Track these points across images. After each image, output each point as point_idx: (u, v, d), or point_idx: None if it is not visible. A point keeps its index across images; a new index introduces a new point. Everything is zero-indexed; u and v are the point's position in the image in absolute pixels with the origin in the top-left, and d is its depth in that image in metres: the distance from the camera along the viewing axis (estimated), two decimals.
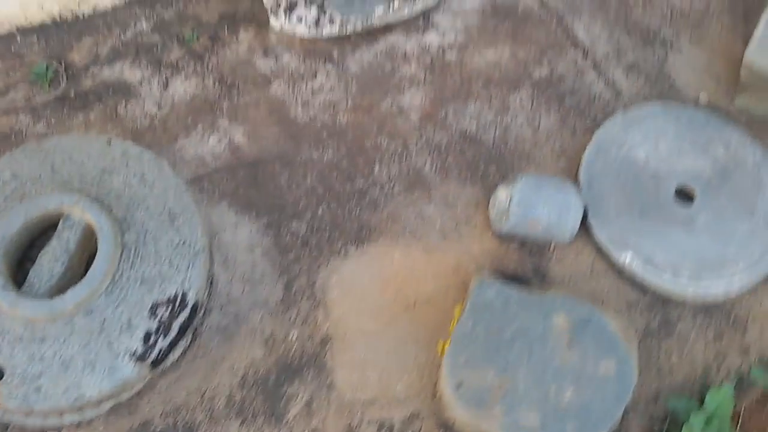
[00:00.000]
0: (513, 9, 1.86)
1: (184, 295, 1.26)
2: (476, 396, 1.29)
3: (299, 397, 1.36)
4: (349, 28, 1.72)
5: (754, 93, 1.72)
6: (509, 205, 1.47)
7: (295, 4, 1.67)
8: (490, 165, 1.63)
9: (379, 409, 1.35)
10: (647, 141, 1.64)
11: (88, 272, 1.22)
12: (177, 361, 1.35)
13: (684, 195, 1.60)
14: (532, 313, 1.37)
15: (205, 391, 1.35)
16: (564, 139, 1.67)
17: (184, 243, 1.30)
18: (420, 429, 1.33)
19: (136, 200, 1.32)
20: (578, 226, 1.51)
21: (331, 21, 1.69)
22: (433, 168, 1.62)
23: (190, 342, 1.35)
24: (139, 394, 1.32)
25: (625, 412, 1.32)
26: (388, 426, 1.34)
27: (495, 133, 1.68)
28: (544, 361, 1.32)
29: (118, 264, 1.24)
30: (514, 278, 1.47)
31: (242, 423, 1.32)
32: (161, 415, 1.31)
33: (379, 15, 1.72)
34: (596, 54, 1.80)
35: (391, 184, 1.59)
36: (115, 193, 1.32)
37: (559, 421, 1.26)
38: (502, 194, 1.50)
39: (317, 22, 1.69)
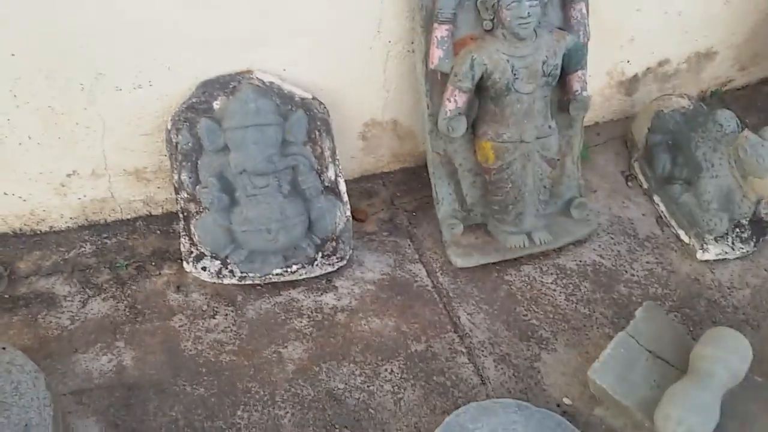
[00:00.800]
0: (408, 286, 2.11)
1: None
2: None
3: None
4: (248, 282, 2.00)
5: (608, 406, 1.84)
6: None
7: (202, 256, 1.98)
8: (344, 428, 1.77)
9: None
10: None
11: None
12: None
13: None
14: None
15: None
16: (421, 416, 1.81)
17: None
18: None
19: (2, 407, 1.52)
20: None
21: (232, 274, 1.98)
22: (292, 421, 1.77)
23: None
24: None
25: None
26: None
27: (359, 397, 1.84)
28: None
29: None
30: None
31: None
32: None
33: (276, 275, 2.00)
34: (473, 340, 1.99)
35: (247, 430, 1.74)
36: None
37: None
38: None
39: (219, 273, 1.98)
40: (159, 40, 1.82)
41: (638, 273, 2.19)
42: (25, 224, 2.06)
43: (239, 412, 1.77)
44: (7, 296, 1.95)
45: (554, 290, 2.14)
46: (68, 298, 1.96)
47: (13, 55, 1.72)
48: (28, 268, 2.03)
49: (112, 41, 1.79)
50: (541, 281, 2.17)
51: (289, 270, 2.00)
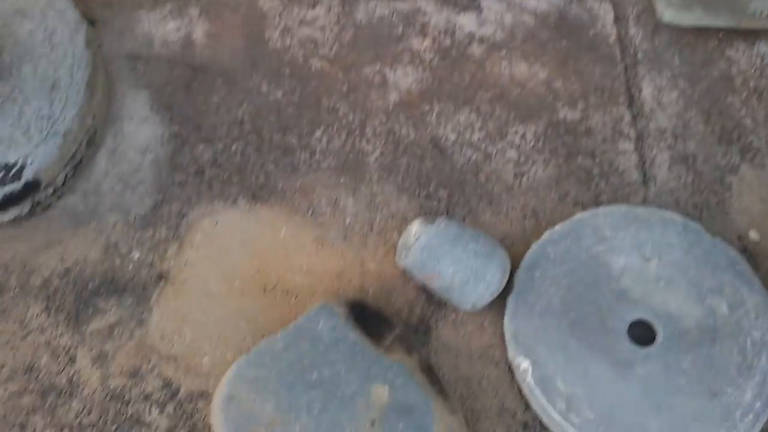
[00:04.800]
0: (582, 29, 1.49)
1: (21, 168, 1.18)
2: (242, 419, 1.12)
3: (106, 316, 1.25)
4: None
5: None
6: (414, 243, 1.22)
7: None
8: (443, 188, 1.35)
9: (175, 370, 1.22)
10: (638, 252, 1.28)
11: None
12: (11, 222, 1.30)
13: (641, 331, 1.25)
14: (357, 370, 1.15)
15: (27, 263, 1.29)
16: (545, 202, 1.35)
17: (49, 118, 1.20)
18: (200, 409, 1.19)
19: (30, 55, 1.24)
20: (485, 302, 1.23)
21: None
22: (379, 161, 1.37)
23: (28, 213, 1.29)
24: None
25: None
26: (173, 388, 1.20)
27: (471, 157, 1.39)
28: (334, 424, 1.11)
29: None
30: (382, 320, 1.24)
31: (45, 309, 1.25)
32: None
33: None
34: (650, 124, 1.42)
35: (324, 156, 1.37)
36: (14, 38, 1.24)
37: None
38: (414, 228, 1.24)
39: None
40: None
41: None
42: None
43: (318, 133, 1.40)
44: None
45: None
46: None
47: None
48: None
49: None
50: None
51: None
